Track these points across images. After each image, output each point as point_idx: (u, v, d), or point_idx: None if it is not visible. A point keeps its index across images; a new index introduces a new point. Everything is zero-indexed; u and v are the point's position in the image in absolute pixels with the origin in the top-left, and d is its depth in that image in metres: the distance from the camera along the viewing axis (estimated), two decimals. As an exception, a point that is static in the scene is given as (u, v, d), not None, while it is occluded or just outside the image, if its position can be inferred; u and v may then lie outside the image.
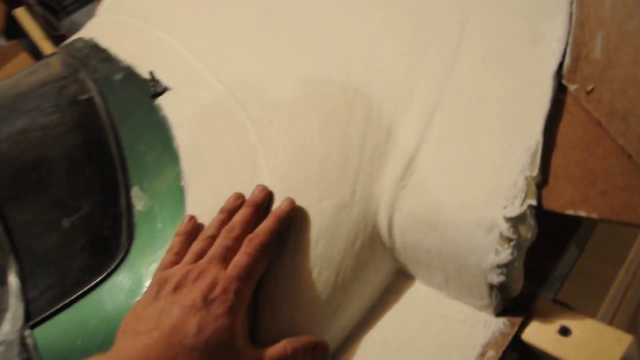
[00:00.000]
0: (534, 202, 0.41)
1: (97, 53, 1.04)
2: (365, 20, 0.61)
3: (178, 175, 0.63)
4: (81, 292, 0.57)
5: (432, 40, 0.54)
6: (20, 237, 0.66)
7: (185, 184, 0.62)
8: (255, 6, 0.78)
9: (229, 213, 0.55)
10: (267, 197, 0.55)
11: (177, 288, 0.48)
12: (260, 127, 0.61)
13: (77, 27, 1.33)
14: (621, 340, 0.40)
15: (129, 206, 0.63)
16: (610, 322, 0.48)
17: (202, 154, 0.64)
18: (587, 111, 0.42)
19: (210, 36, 0.83)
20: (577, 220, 0.48)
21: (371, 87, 0.56)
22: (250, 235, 0.51)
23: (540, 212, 0.42)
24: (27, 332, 0.55)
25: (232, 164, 0.60)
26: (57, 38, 1.54)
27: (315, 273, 0.50)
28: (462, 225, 0.44)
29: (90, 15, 1.32)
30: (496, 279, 0.43)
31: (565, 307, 0.44)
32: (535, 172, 0.42)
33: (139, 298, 0.50)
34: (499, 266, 0.42)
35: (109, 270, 0.57)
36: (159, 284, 0.50)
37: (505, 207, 0.42)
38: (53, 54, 1.23)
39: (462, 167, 0.46)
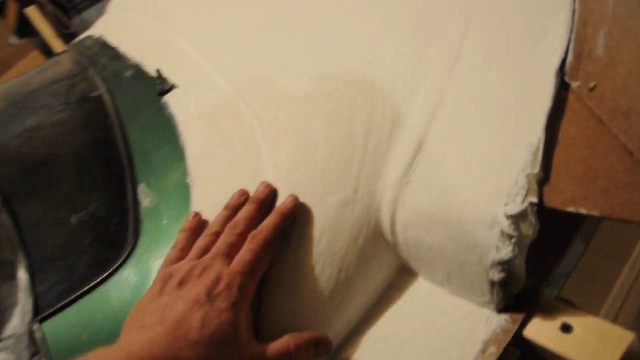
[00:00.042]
0: (535, 199, 0.41)
1: (106, 51, 1.05)
2: (369, 18, 0.61)
3: (184, 173, 0.64)
4: (88, 287, 0.57)
5: (435, 38, 0.54)
6: (29, 233, 0.67)
7: (191, 181, 0.62)
8: (261, 5, 0.78)
9: (233, 209, 0.55)
10: (271, 194, 0.55)
11: (181, 283, 0.49)
12: (265, 125, 0.62)
13: (87, 25, 1.34)
14: (623, 337, 0.40)
15: (136, 203, 0.64)
16: (615, 319, 0.47)
17: (208, 151, 0.65)
18: (589, 108, 0.41)
19: (217, 34, 0.83)
20: (580, 217, 0.48)
21: (375, 83, 0.56)
22: (253, 232, 0.52)
23: (542, 209, 0.42)
24: (35, 326, 0.56)
25: (237, 161, 0.61)
26: (67, 36, 1.55)
27: (318, 269, 0.50)
28: (463, 222, 0.44)
29: (101, 13, 1.33)
30: (497, 275, 0.43)
31: (568, 304, 0.44)
32: (536, 169, 0.42)
33: (144, 293, 0.51)
34: (500, 263, 0.42)
35: (116, 265, 0.58)
36: (164, 279, 0.50)
37: (506, 205, 0.42)
38: (63, 52, 1.24)
39: (464, 164, 0.46)
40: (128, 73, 0.91)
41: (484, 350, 0.43)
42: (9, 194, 0.73)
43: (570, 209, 0.40)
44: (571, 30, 0.45)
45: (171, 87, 0.80)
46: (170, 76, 0.81)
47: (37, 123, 0.87)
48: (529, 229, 0.42)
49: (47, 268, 0.62)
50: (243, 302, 0.48)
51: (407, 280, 0.52)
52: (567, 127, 0.43)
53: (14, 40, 1.99)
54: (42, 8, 1.67)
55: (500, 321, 0.44)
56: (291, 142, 0.58)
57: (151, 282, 0.54)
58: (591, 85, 0.42)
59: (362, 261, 0.51)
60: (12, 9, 2.01)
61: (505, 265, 0.42)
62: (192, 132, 0.69)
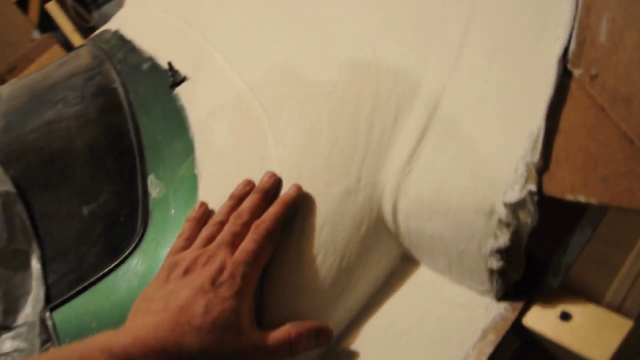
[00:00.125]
0: (533, 187, 0.41)
1: (122, 44, 1.07)
2: (374, 11, 0.61)
3: (192, 163, 0.65)
4: (97, 276, 0.59)
5: (438, 29, 0.54)
6: (43, 224, 0.69)
7: (198, 171, 0.63)
8: (271, 1, 0.78)
9: (238, 199, 0.56)
10: (276, 184, 0.56)
11: (186, 272, 0.50)
12: (272, 116, 0.62)
13: (107, 19, 1.36)
14: (621, 325, 0.39)
15: (145, 193, 0.65)
16: (619, 307, 0.47)
17: (216, 142, 0.65)
18: (591, 96, 0.41)
19: (229, 28, 0.84)
20: (584, 206, 0.47)
21: (380, 74, 0.56)
22: (256, 222, 0.52)
23: (543, 198, 0.42)
24: (47, 314, 0.58)
25: (244, 152, 0.61)
26: (87, 30, 1.58)
27: (320, 258, 0.51)
28: (463, 210, 0.44)
29: (120, 6, 1.35)
30: (496, 264, 0.43)
31: (569, 292, 0.43)
32: (536, 157, 0.41)
33: (151, 281, 0.52)
34: (498, 251, 0.42)
35: (124, 255, 0.59)
36: (170, 267, 0.51)
37: (505, 193, 0.42)
38: (82, 45, 1.26)
39: (465, 153, 0.46)
40: (142, 66, 0.93)
41: (482, 338, 0.43)
42: (24, 187, 0.75)
43: (569, 197, 0.40)
44: (574, 17, 0.44)
45: (183, 79, 0.81)
46: (182, 69, 0.82)
47: (53, 116, 0.89)
48: (528, 218, 0.41)
49: (59, 258, 0.64)
50: (246, 290, 0.49)
51: (409, 269, 0.52)
52: (568, 116, 0.42)
53: (36, 35, 2.03)
54: (62, 3, 1.69)
55: (500, 309, 0.44)
56: (296, 133, 0.58)
57: (157, 270, 0.55)
58: (593, 72, 0.41)
59: (364, 250, 0.51)
60: (34, 5, 2.05)
61: (503, 253, 0.42)
62: (201, 123, 0.70)
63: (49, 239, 0.66)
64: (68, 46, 1.70)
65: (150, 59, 0.92)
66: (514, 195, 0.41)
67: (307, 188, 0.53)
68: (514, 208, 0.41)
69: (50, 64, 1.24)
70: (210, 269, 0.49)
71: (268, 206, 0.54)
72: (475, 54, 0.49)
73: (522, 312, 0.44)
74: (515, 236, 0.42)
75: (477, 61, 0.49)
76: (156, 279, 0.51)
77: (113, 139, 0.78)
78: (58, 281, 0.61)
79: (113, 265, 0.59)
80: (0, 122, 0.98)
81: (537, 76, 0.44)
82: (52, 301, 0.59)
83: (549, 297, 0.43)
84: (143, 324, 0.46)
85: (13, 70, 1.85)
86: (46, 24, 1.93)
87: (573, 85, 0.42)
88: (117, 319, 0.55)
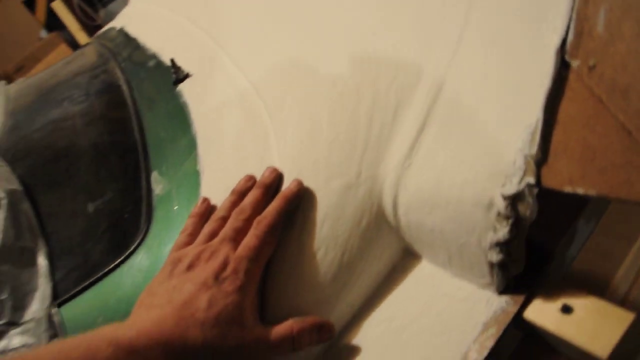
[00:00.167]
0: (532, 180, 0.41)
1: (127, 42, 1.07)
2: (373, 7, 0.61)
3: (195, 160, 0.65)
4: (103, 272, 0.59)
5: (438, 21, 0.53)
6: (49, 222, 0.69)
7: (201, 167, 0.64)
8: None
9: (240, 194, 0.56)
10: (277, 179, 0.56)
11: (190, 267, 0.50)
12: (273, 111, 0.62)
13: (113, 17, 1.36)
14: (623, 318, 0.39)
15: (149, 190, 0.65)
16: (624, 300, 0.47)
17: (218, 138, 0.66)
18: (589, 87, 0.41)
19: (232, 25, 0.84)
20: (585, 197, 0.47)
21: (379, 67, 0.56)
22: (258, 217, 0.52)
23: (544, 190, 0.42)
24: (54, 310, 0.58)
25: (245, 147, 0.62)
26: (94, 28, 1.58)
27: (321, 253, 0.51)
28: (462, 203, 0.44)
29: (126, 4, 1.35)
30: (495, 257, 0.43)
31: (570, 285, 0.43)
32: (534, 149, 0.41)
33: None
34: (497, 244, 0.42)
35: (129, 251, 0.60)
36: (173, 263, 0.52)
37: (503, 186, 0.42)
38: (87, 44, 1.27)
39: (464, 146, 0.46)
40: (146, 63, 0.93)
41: (484, 332, 0.43)
42: (31, 185, 0.75)
43: (568, 189, 0.39)
44: (572, 8, 0.44)
45: (185, 76, 0.81)
46: (186, 66, 0.83)
47: (58, 115, 0.90)
48: (527, 210, 0.41)
49: (66, 255, 0.64)
50: (249, 286, 0.49)
51: (410, 263, 0.52)
52: (566, 107, 0.42)
53: (44, 34, 2.04)
54: (68, 2, 1.70)
55: (501, 303, 0.44)
56: (297, 128, 0.58)
57: (161, 266, 0.56)
58: (591, 63, 0.41)
59: (365, 244, 0.51)
60: (41, 4, 2.06)
61: (503, 246, 0.42)
62: (204, 120, 0.70)
63: (55, 236, 0.67)
64: (74, 45, 1.71)
65: (154, 57, 0.92)
66: (512, 188, 0.41)
67: (307, 182, 0.54)
68: (513, 201, 0.41)
69: (56, 63, 1.25)
70: (213, 265, 0.50)
71: (270, 201, 0.54)
72: (473, 48, 0.49)
73: (524, 306, 0.43)
74: (514, 229, 0.42)
75: (476, 54, 0.49)
76: (160, 274, 0.52)
77: (117, 137, 0.78)
78: (64, 277, 0.61)
79: (118, 261, 0.59)
80: (8, 121, 0.99)
81: (535, 68, 0.44)
82: (59, 297, 0.60)
83: (550, 290, 0.43)
84: (147, 317, 0.46)
85: (21, 70, 1.87)
86: (53, 23, 1.94)
87: (571, 77, 0.42)
88: (122, 314, 0.55)
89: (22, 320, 0.59)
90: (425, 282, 0.50)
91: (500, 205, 0.42)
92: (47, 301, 0.59)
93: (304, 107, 0.59)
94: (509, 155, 0.42)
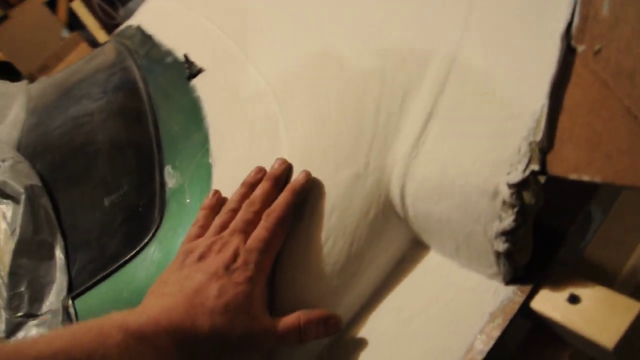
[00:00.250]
0: (537, 167, 0.40)
1: (143, 39, 1.08)
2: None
3: (207, 153, 0.66)
4: (117, 265, 0.60)
5: (443, 8, 0.53)
6: (67, 216, 0.71)
7: (212, 160, 0.64)
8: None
9: (250, 186, 0.57)
10: (287, 170, 0.56)
11: (201, 258, 0.51)
12: (283, 102, 0.63)
13: (132, 15, 1.38)
14: (630, 308, 0.38)
15: (162, 184, 0.66)
16: (634, 291, 0.46)
17: (230, 130, 0.66)
18: (595, 72, 0.40)
19: (244, 19, 0.84)
20: (594, 185, 0.47)
21: (387, 56, 0.56)
22: (268, 210, 0.53)
23: (552, 178, 0.41)
24: (69, 302, 0.60)
25: (256, 139, 0.62)
26: (114, 27, 1.60)
27: (329, 243, 0.51)
28: (468, 192, 0.44)
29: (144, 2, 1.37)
30: (502, 246, 0.42)
31: (578, 275, 0.42)
32: (539, 136, 0.41)
33: (167, 269, 0.53)
34: (503, 233, 0.42)
35: (142, 244, 0.61)
36: (185, 254, 0.52)
37: (508, 174, 0.41)
38: (105, 42, 1.29)
39: (470, 134, 0.46)
40: (162, 60, 0.94)
41: (490, 322, 0.43)
42: (50, 180, 0.77)
43: (573, 176, 0.39)
44: (578, -8, 0.43)
45: (199, 71, 0.82)
46: (199, 60, 0.83)
47: (77, 112, 0.91)
48: (532, 198, 0.41)
49: (82, 248, 0.65)
50: (259, 277, 0.50)
51: (419, 253, 0.52)
52: (572, 93, 0.41)
53: (65, 34, 2.08)
54: (87, 1, 1.73)
55: (508, 293, 0.44)
56: (305, 118, 0.58)
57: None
58: (596, 48, 0.40)
59: (373, 235, 0.51)
60: (62, 4, 2.09)
61: (509, 235, 0.42)
62: (216, 113, 0.71)
63: (72, 230, 0.68)
64: (95, 43, 1.74)
65: (169, 53, 0.93)
66: (517, 176, 0.41)
67: (316, 173, 0.54)
68: (518, 189, 0.41)
69: (76, 62, 1.27)
70: (224, 256, 0.50)
71: (279, 192, 0.54)
72: (478, 35, 0.49)
73: (531, 295, 0.43)
74: (520, 217, 0.41)
75: (481, 42, 0.48)
76: (172, 265, 0.53)
77: (133, 132, 0.79)
78: (80, 270, 0.63)
79: (131, 254, 0.60)
80: (29, 119, 1.01)
81: (540, 54, 0.43)
82: (75, 290, 0.61)
83: (558, 280, 0.43)
84: (157, 305, 0.47)
85: (44, 69, 1.90)
86: (74, 22, 1.97)
87: (577, 62, 0.41)
88: (135, 306, 0.56)
89: (40, 312, 0.60)
90: (433, 272, 0.50)
91: (506, 193, 0.41)
92: (63, 294, 0.61)
93: (312, 96, 0.60)
94: (514, 143, 0.42)
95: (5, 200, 0.71)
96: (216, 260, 0.50)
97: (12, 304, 0.60)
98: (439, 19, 0.54)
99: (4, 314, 0.60)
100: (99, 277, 0.60)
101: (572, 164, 0.39)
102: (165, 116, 0.77)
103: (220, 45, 0.84)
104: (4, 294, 0.62)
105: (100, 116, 0.86)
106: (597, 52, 0.40)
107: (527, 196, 0.41)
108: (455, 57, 0.50)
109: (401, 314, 0.49)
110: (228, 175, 0.61)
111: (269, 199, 0.54)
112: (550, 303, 0.42)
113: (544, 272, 0.43)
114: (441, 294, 0.48)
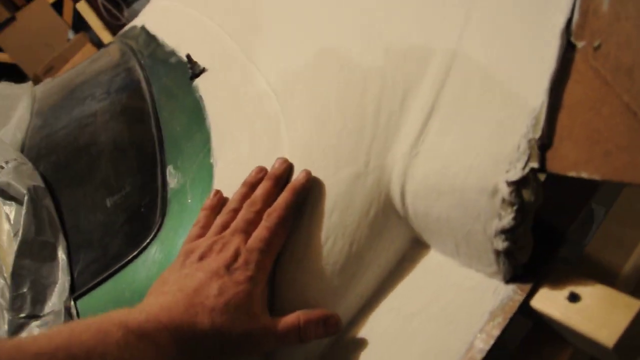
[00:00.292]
0: (536, 165, 0.40)
1: (147, 39, 1.09)
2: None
3: (208, 153, 0.66)
4: (119, 266, 0.60)
5: (444, 5, 0.53)
6: (69, 217, 0.71)
7: (214, 160, 0.64)
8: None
9: (251, 186, 0.57)
10: (287, 170, 0.56)
11: (202, 257, 0.51)
12: (283, 102, 0.63)
13: (137, 16, 1.39)
14: (630, 306, 0.38)
15: (164, 184, 0.66)
16: (635, 290, 0.45)
17: (231, 130, 0.66)
18: (595, 68, 0.40)
19: (247, 20, 0.84)
20: (595, 183, 0.46)
21: (387, 54, 0.55)
22: (269, 210, 0.53)
23: (551, 176, 0.41)
24: (71, 303, 0.60)
25: (257, 139, 0.62)
26: (119, 27, 1.61)
27: (330, 243, 0.51)
28: (467, 190, 0.44)
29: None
30: (501, 244, 0.42)
31: (579, 273, 0.42)
32: (538, 134, 0.40)
33: (168, 269, 0.53)
34: (502, 231, 0.41)
35: (143, 245, 0.61)
36: (186, 254, 0.52)
37: (507, 171, 0.41)
38: (110, 43, 1.29)
39: (470, 133, 0.45)
40: (165, 60, 0.95)
41: (490, 321, 0.43)
42: (53, 181, 0.77)
43: (572, 173, 0.38)
44: (578, -13, 0.43)
45: (202, 71, 0.82)
46: (202, 61, 0.83)
47: (81, 113, 0.92)
48: (532, 196, 0.40)
49: (84, 249, 0.66)
50: (260, 277, 0.50)
51: (419, 253, 0.52)
52: (572, 90, 0.41)
53: (71, 35, 2.09)
54: (92, 2, 1.73)
55: (508, 291, 0.43)
56: (306, 118, 0.58)
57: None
58: (596, 44, 0.40)
59: (373, 234, 0.51)
60: (68, 6, 2.10)
61: (508, 233, 0.41)
62: (218, 113, 0.71)
63: (74, 231, 0.68)
64: (100, 44, 1.75)
65: (173, 53, 0.94)
66: (516, 174, 0.40)
67: (317, 172, 0.54)
68: (517, 187, 0.40)
69: (80, 63, 1.28)
70: (225, 255, 0.50)
71: (280, 192, 0.54)
72: (479, 32, 0.48)
73: (531, 294, 0.43)
74: (519, 215, 0.41)
75: (481, 39, 0.48)
76: (173, 265, 0.53)
77: (135, 133, 0.79)
78: (82, 271, 0.63)
79: (133, 255, 0.60)
80: (34, 121, 1.02)
81: (540, 50, 0.43)
82: (77, 290, 0.61)
83: (558, 279, 0.42)
84: (157, 303, 0.47)
85: (50, 71, 1.91)
86: (80, 23, 1.98)
87: (577, 58, 0.41)
88: (136, 307, 0.56)
89: (42, 313, 0.60)
90: (433, 271, 0.50)
91: (505, 191, 0.41)
92: (66, 294, 0.61)
93: (312, 95, 0.59)
94: (514, 141, 0.41)
95: (8, 202, 0.72)
96: (217, 260, 0.50)
97: (15, 305, 0.60)
98: (440, 16, 0.53)
99: (6, 315, 0.60)
100: (101, 278, 0.60)
101: (571, 161, 0.39)
102: (168, 116, 0.78)
103: (222, 45, 0.84)
104: (7, 295, 0.62)
105: (104, 117, 0.87)
106: (597, 48, 0.40)
107: (527, 194, 0.40)
108: (456, 54, 0.49)
109: (401, 313, 0.49)
110: (229, 175, 0.61)
111: (269, 199, 0.54)
112: (550, 301, 0.42)
113: (544, 271, 0.43)
114: (441, 293, 0.47)
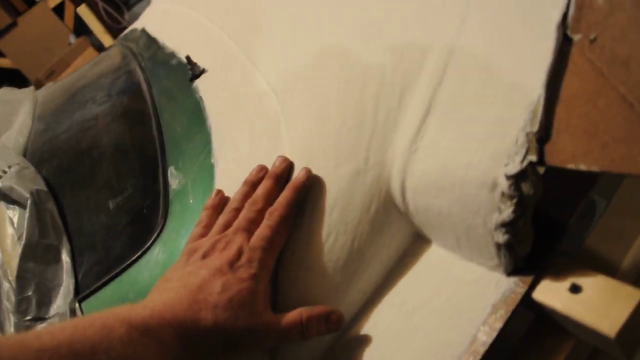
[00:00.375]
0: (534, 158, 0.40)
1: (148, 42, 1.09)
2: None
3: (209, 153, 0.66)
4: (122, 267, 0.61)
5: (441, 4, 0.53)
6: (73, 220, 0.71)
7: (215, 161, 0.65)
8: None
9: (252, 185, 0.57)
10: (288, 168, 0.57)
11: (205, 256, 0.51)
12: (283, 101, 0.63)
13: (137, 19, 1.39)
14: (631, 296, 0.38)
15: (166, 185, 0.67)
16: (636, 280, 0.46)
17: (231, 131, 0.67)
18: (591, 61, 0.40)
19: (247, 21, 0.84)
20: (594, 175, 0.46)
21: (386, 52, 0.56)
22: (270, 209, 0.53)
23: (550, 169, 0.41)
24: (76, 305, 0.60)
25: (257, 139, 0.62)
26: (120, 31, 1.61)
27: (331, 240, 0.51)
28: (467, 185, 0.44)
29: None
30: (502, 237, 0.42)
31: (580, 265, 0.42)
32: (536, 127, 0.41)
33: (171, 268, 0.53)
34: (502, 225, 0.41)
35: (147, 246, 0.61)
36: (189, 253, 0.53)
37: (506, 165, 0.41)
38: (111, 46, 1.30)
39: (468, 127, 0.45)
40: (166, 62, 0.95)
41: (492, 314, 0.43)
42: (56, 184, 0.78)
43: (570, 166, 0.39)
44: (574, -19, 0.43)
45: (202, 72, 0.82)
46: (201, 62, 0.84)
47: (82, 116, 0.92)
48: (531, 189, 0.40)
49: (88, 251, 0.66)
50: (263, 274, 0.50)
51: (421, 248, 0.52)
52: (569, 83, 0.41)
53: (72, 39, 2.09)
54: (93, 6, 1.74)
55: (510, 284, 0.44)
56: (306, 116, 0.58)
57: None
58: (592, 36, 0.40)
59: (375, 230, 0.51)
60: (69, 10, 2.11)
61: (508, 226, 0.41)
62: (218, 114, 0.71)
63: (78, 233, 0.69)
64: (101, 48, 1.75)
65: (173, 55, 0.94)
66: (515, 167, 0.41)
67: (317, 170, 0.54)
68: (516, 180, 0.41)
69: (81, 67, 1.28)
70: (228, 254, 0.51)
71: (281, 190, 0.55)
72: (475, 28, 0.48)
73: (532, 286, 0.43)
74: (519, 209, 0.41)
75: (478, 34, 0.48)
76: (176, 264, 0.53)
77: (136, 135, 0.80)
78: (86, 273, 0.63)
79: (136, 256, 0.61)
80: (36, 125, 1.02)
81: (537, 44, 0.43)
82: (81, 292, 0.61)
83: (559, 270, 0.43)
84: (161, 299, 0.47)
85: (52, 75, 1.92)
86: (81, 27, 1.99)
87: (573, 51, 0.41)
88: (140, 307, 0.57)
89: (48, 316, 0.61)
90: (435, 266, 0.50)
91: (504, 185, 0.41)
92: (70, 296, 0.61)
93: (312, 94, 0.60)
94: (512, 134, 0.42)
95: (12, 206, 0.72)
96: (220, 258, 0.50)
97: (21, 307, 0.61)
98: (438, 13, 0.54)
99: (12, 318, 0.61)
100: (105, 280, 0.61)
101: (569, 154, 0.39)
102: (168, 118, 0.78)
103: (222, 46, 0.84)
104: (12, 298, 0.62)
105: (105, 120, 0.87)
106: (593, 41, 0.40)
107: (526, 187, 0.41)
108: (453, 50, 0.49)
109: (403, 308, 0.49)
110: (230, 175, 0.62)
111: (271, 197, 0.55)
112: (551, 293, 0.42)
113: (545, 263, 0.43)
114: (443, 287, 0.48)
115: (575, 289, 0.41)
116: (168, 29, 1.08)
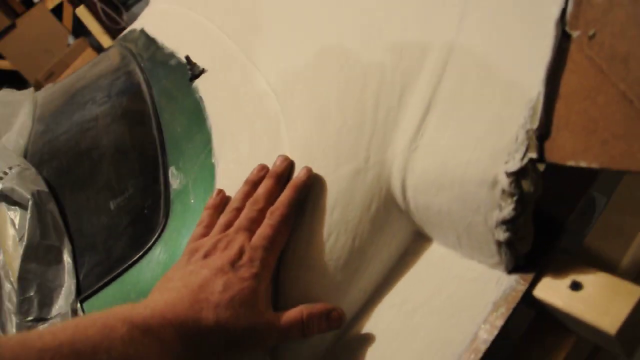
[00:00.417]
0: (534, 155, 0.40)
1: (147, 42, 1.09)
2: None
3: (210, 153, 0.66)
4: (123, 267, 0.61)
5: (443, 3, 0.53)
6: (74, 220, 0.71)
7: (215, 160, 0.65)
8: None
9: (253, 184, 0.57)
10: (289, 167, 0.57)
11: (206, 255, 0.51)
12: (283, 101, 0.63)
13: (135, 19, 1.39)
14: (632, 293, 0.38)
15: (167, 186, 0.67)
16: (636, 278, 0.46)
17: (232, 130, 0.67)
18: (590, 58, 0.40)
19: (246, 21, 0.84)
20: (594, 172, 0.46)
21: (386, 51, 0.56)
22: (271, 208, 0.53)
23: (550, 166, 0.41)
24: (77, 306, 0.60)
25: (257, 139, 0.62)
26: (118, 32, 1.62)
27: (332, 239, 0.51)
28: (467, 182, 0.44)
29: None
30: (502, 235, 0.42)
31: (580, 262, 0.42)
32: (536, 124, 0.41)
33: (173, 268, 0.53)
34: (503, 222, 0.41)
35: (148, 246, 0.61)
36: (190, 253, 0.53)
37: (506, 162, 0.41)
38: (110, 47, 1.30)
39: (468, 125, 0.46)
40: (165, 62, 0.95)
41: (493, 311, 0.43)
42: (57, 185, 0.78)
43: (571, 163, 0.39)
44: (572, -23, 0.43)
45: (201, 72, 0.82)
46: (201, 62, 0.84)
47: (82, 117, 0.92)
48: (531, 187, 0.41)
49: (89, 252, 0.66)
50: (264, 274, 0.50)
51: (422, 246, 0.52)
52: (568, 79, 0.41)
53: (71, 40, 2.09)
54: (91, 7, 1.74)
55: (511, 282, 0.44)
56: (306, 115, 0.59)
57: (179, 258, 0.57)
58: (590, 33, 0.40)
59: (375, 229, 0.51)
60: (68, 11, 2.11)
61: (509, 224, 0.41)
62: (218, 113, 0.71)
63: (79, 234, 0.69)
64: (100, 49, 1.76)
65: (172, 55, 0.94)
66: (515, 165, 0.41)
67: (317, 170, 0.54)
68: (517, 177, 0.41)
69: (81, 68, 1.28)
70: (229, 253, 0.51)
71: (282, 189, 0.55)
72: (474, 26, 0.48)
73: (533, 284, 0.43)
74: (519, 206, 0.41)
75: (477, 32, 0.48)
76: (177, 264, 0.53)
77: (137, 135, 0.80)
78: (88, 274, 0.63)
79: (137, 256, 0.61)
80: (36, 126, 1.03)
81: (536, 41, 0.43)
82: (83, 293, 0.61)
83: (560, 268, 0.43)
84: (162, 299, 0.48)
85: (51, 76, 1.92)
86: (79, 28, 1.99)
87: (572, 48, 0.41)
88: (142, 307, 0.57)
89: (49, 316, 0.61)
90: (436, 264, 0.50)
91: (504, 182, 0.41)
92: (72, 297, 0.61)
93: (312, 94, 0.60)
94: (512, 132, 0.42)
95: (13, 207, 0.72)
96: (222, 257, 0.51)
97: (22, 308, 0.61)
98: (436, 11, 0.54)
99: (14, 319, 0.61)
100: (106, 280, 0.61)
101: (569, 151, 0.39)
102: (168, 118, 0.78)
103: (221, 46, 0.85)
104: (14, 299, 0.62)
105: (105, 120, 0.87)
106: (592, 37, 0.40)
107: (526, 184, 0.41)
108: (452, 48, 0.50)
109: (404, 307, 0.49)
110: (231, 175, 0.62)
111: (272, 197, 0.55)
112: (552, 290, 0.42)
113: (545, 261, 0.43)
114: (444, 285, 0.48)
115: (575, 286, 0.41)
116: (167, 29, 1.08)
